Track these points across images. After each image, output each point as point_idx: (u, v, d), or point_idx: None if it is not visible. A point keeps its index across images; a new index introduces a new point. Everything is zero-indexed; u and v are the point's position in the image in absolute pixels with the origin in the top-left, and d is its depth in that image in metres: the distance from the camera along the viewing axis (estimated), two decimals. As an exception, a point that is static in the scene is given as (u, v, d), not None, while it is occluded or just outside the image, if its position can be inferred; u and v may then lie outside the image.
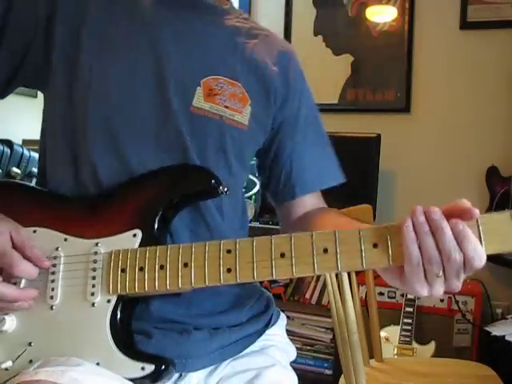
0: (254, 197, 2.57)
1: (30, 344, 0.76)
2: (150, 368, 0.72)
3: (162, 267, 0.73)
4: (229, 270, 0.71)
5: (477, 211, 0.63)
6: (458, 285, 0.64)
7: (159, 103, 0.84)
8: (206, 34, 0.90)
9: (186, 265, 0.72)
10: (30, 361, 0.74)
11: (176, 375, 0.81)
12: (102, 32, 0.84)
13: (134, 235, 0.77)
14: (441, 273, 0.63)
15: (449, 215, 0.64)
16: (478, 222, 0.63)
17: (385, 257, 0.66)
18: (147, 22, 0.87)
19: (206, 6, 0.92)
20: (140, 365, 0.72)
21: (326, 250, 0.68)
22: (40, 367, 0.70)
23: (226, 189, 0.80)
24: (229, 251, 0.71)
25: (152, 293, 0.75)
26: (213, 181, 0.80)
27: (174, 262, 0.73)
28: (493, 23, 2.44)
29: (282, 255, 0.69)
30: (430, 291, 0.65)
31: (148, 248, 0.75)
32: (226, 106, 0.87)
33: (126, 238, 0.77)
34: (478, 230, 0.63)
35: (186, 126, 0.84)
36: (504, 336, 1.91)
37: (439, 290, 0.65)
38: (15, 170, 2.31)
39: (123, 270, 0.74)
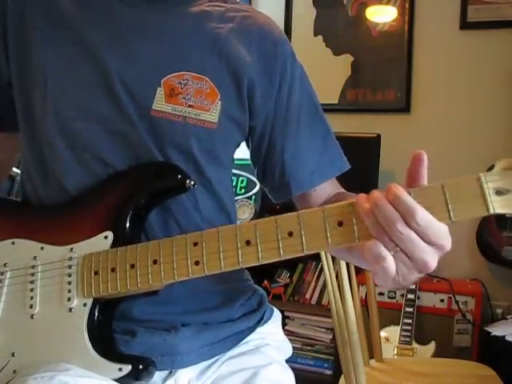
0: (253, 197, 2.56)
1: (13, 355, 0.75)
2: (127, 368, 0.72)
3: (132, 266, 0.73)
4: (196, 263, 0.70)
5: (423, 153, 0.61)
6: (424, 259, 0.59)
7: (114, 111, 0.81)
8: (167, 25, 0.84)
9: (155, 262, 0.72)
10: (14, 371, 0.74)
11: (166, 372, 0.81)
12: (52, 32, 0.82)
13: (106, 237, 0.77)
14: (395, 248, 0.59)
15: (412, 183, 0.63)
16: (443, 188, 0.60)
17: (350, 235, 0.64)
18: (101, 18, 0.83)
19: None
20: (117, 366, 0.72)
21: (290, 234, 0.66)
22: (28, 375, 0.69)
23: (192, 182, 0.78)
24: (195, 244, 0.70)
25: (126, 293, 0.74)
26: (179, 176, 0.78)
27: (144, 260, 0.72)
28: (493, 23, 2.44)
29: (248, 243, 0.68)
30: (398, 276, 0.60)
31: (118, 248, 0.74)
32: (190, 106, 0.81)
33: (97, 240, 0.77)
34: (445, 197, 0.60)
35: (146, 131, 0.81)
36: (504, 336, 1.91)
37: (404, 271, 0.60)
38: (15, 170, 2.31)
39: (96, 273, 0.74)
